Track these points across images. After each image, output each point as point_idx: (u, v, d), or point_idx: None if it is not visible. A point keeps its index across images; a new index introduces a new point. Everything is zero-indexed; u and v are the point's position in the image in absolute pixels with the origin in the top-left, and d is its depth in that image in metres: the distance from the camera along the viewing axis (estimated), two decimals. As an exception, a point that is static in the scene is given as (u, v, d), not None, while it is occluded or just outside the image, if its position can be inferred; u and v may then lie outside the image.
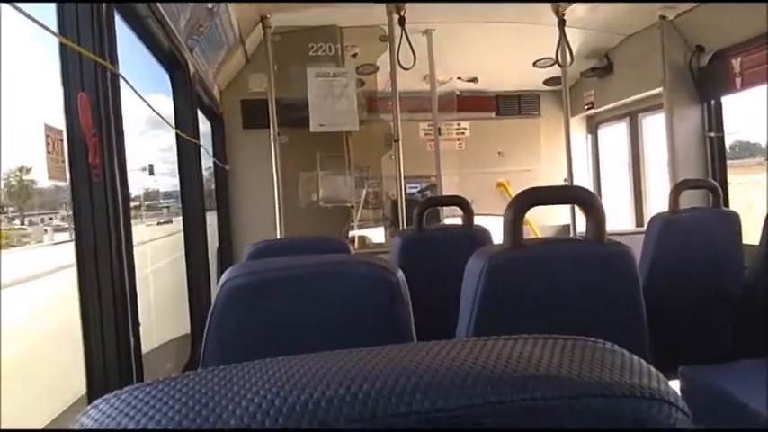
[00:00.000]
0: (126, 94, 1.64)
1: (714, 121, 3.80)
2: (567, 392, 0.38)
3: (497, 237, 1.50)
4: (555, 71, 4.21)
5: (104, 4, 1.45)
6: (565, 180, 4.12)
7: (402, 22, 3.60)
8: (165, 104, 2.67)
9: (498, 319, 1.34)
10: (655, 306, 1.61)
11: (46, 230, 2.30)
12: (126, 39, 1.96)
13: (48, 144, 1.30)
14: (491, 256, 1.35)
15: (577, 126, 4.85)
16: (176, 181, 2.78)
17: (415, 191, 4.59)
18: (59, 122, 1.39)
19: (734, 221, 2.45)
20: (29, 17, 1.22)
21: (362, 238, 4.26)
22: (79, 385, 1.45)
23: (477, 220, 2.53)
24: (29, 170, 2.06)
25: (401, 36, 3.61)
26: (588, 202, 1.38)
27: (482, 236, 2.38)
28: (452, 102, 4.72)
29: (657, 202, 4.34)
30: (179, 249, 2.81)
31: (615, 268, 1.42)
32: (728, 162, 3.82)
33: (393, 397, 0.37)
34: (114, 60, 1.49)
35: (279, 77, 3.75)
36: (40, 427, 1.60)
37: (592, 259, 1.40)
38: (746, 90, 3.41)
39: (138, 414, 0.37)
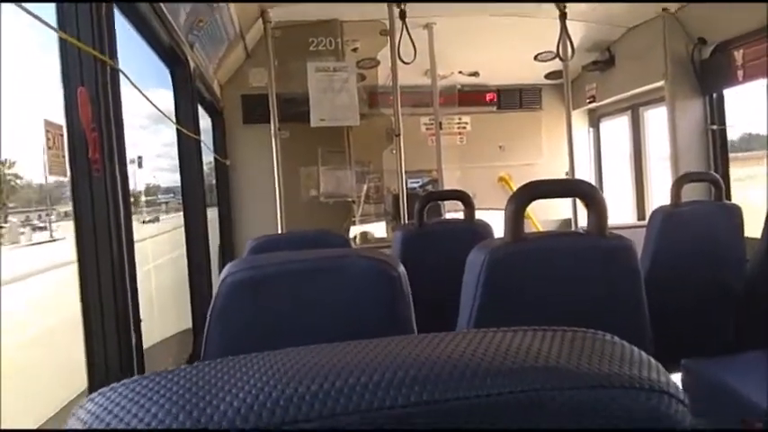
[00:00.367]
0: (127, 90, 1.64)
1: (716, 113, 3.79)
2: (566, 384, 0.38)
3: (499, 231, 1.49)
4: (556, 65, 4.21)
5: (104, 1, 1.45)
6: (566, 174, 4.12)
7: (403, 16, 3.60)
8: (166, 100, 2.67)
9: (499, 312, 1.34)
10: (656, 299, 1.61)
11: (23, 231, 2.26)
12: (126, 35, 1.96)
13: (48, 139, 1.30)
14: (492, 249, 1.35)
15: (579, 120, 4.84)
16: (174, 176, 2.78)
17: (416, 185, 4.58)
18: (55, 117, 1.38)
19: (736, 215, 2.44)
20: (29, 12, 1.22)
21: (364, 234, 4.26)
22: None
23: (479, 215, 2.52)
24: (12, 164, 2.01)
25: (402, 30, 3.60)
26: (590, 195, 1.37)
27: (483, 230, 2.38)
28: (453, 96, 4.71)
29: (659, 195, 4.33)
30: (166, 253, 2.76)
31: (617, 262, 1.41)
32: (738, 154, 3.81)
33: (392, 389, 0.37)
34: (114, 55, 1.49)
35: (279, 72, 3.75)
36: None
37: (593, 253, 1.40)
38: (749, 82, 3.39)
39: (135, 407, 0.37)
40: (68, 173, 1.38)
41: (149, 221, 3.44)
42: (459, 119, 4.81)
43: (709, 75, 3.70)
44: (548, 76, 4.64)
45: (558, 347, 0.41)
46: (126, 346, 1.44)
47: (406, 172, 3.79)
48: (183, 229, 2.72)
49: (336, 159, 4.14)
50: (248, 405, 0.36)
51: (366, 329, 1.11)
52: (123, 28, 1.87)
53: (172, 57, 2.56)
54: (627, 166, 4.70)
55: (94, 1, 1.42)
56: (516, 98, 4.88)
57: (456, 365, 0.39)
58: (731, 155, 3.82)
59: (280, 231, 3.59)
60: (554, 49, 3.91)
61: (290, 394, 0.36)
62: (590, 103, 4.70)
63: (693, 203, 2.54)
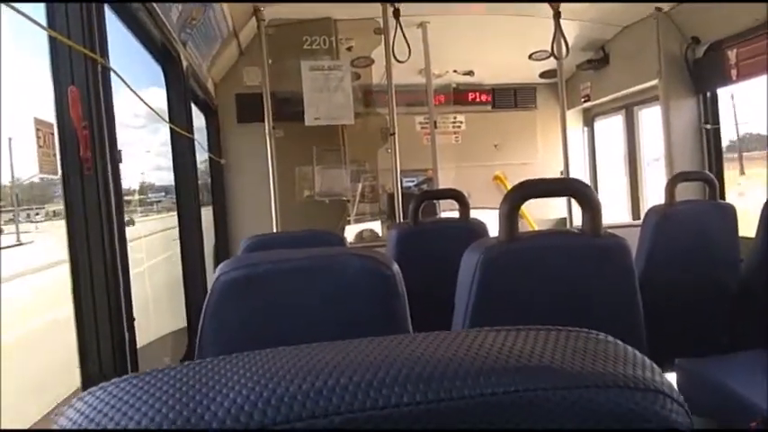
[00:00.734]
0: (118, 89, 1.63)
1: (710, 112, 3.80)
2: (559, 383, 0.38)
3: (494, 230, 1.49)
4: (551, 64, 4.21)
5: None
6: (561, 173, 4.12)
7: (397, 14, 3.60)
8: (158, 99, 2.66)
9: (494, 311, 1.34)
10: (651, 299, 1.61)
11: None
12: (118, 34, 1.94)
13: (38, 138, 1.29)
14: (486, 248, 1.35)
15: (574, 119, 4.84)
16: (162, 174, 2.76)
17: (411, 184, 4.58)
18: (43, 115, 1.37)
19: (730, 214, 2.45)
20: (18, 11, 1.21)
21: (360, 233, 4.26)
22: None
23: (474, 214, 2.52)
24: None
25: (396, 29, 3.60)
26: (584, 194, 1.37)
27: (479, 229, 2.38)
28: (448, 95, 4.72)
29: (653, 194, 4.35)
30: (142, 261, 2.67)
31: (611, 261, 1.41)
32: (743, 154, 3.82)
33: (384, 389, 0.37)
34: (105, 53, 1.48)
35: (273, 71, 3.73)
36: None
37: (588, 252, 1.40)
38: (742, 81, 3.40)
39: (125, 406, 0.37)
40: (59, 171, 1.37)
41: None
42: (454, 118, 4.81)
43: (702, 74, 3.72)
44: (542, 75, 4.64)
45: (552, 347, 0.41)
46: (119, 344, 1.43)
47: (401, 171, 3.79)
48: (172, 231, 2.68)
49: (331, 158, 4.14)
50: (239, 405, 0.35)
51: (360, 328, 1.11)
52: (114, 26, 1.85)
53: (164, 55, 2.55)
54: (621, 166, 4.71)
55: (84, 0, 1.41)
56: (511, 97, 4.89)
57: (450, 365, 0.38)
58: (745, 153, 3.83)
59: (275, 230, 3.58)
60: (548, 48, 3.92)
61: (282, 394, 0.36)
62: (584, 102, 4.71)
63: (688, 203, 2.54)
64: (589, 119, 5.05)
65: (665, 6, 3.68)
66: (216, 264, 3.47)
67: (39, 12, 1.36)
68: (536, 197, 1.39)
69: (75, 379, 1.42)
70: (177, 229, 2.73)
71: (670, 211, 2.40)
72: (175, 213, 2.75)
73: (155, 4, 2.06)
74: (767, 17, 3.03)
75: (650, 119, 4.37)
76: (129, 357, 1.48)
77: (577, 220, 3.82)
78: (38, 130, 1.30)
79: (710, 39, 3.62)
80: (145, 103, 2.08)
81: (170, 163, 2.70)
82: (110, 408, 0.37)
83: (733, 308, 2.31)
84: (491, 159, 4.87)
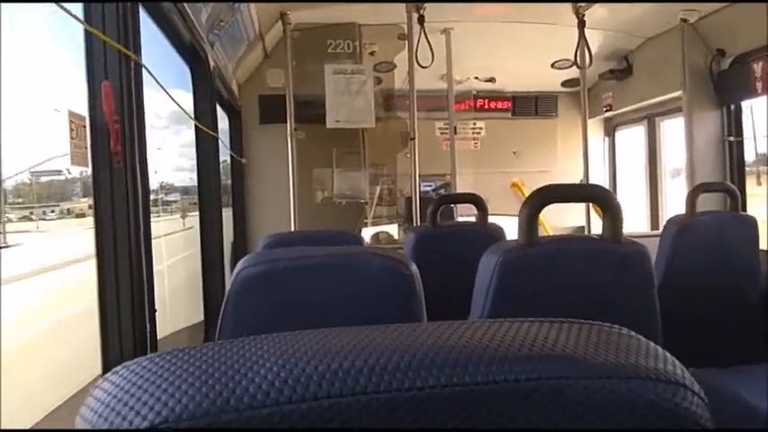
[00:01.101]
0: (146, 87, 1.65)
1: (734, 125, 3.76)
2: (582, 373, 0.38)
3: (511, 237, 1.49)
4: (573, 72, 4.19)
5: None
6: (581, 182, 4.10)
7: (421, 20, 3.61)
8: (181, 100, 2.69)
9: (511, 314, 1.33)
10: (669, 308, 1.60)
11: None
12: (148, 34, 1.97)
13: (71, 130, 1.33)
14: (505, 251, 1.35)
15: (594, 128, 4.81)
16: (180, 175, 2.77)
17: (429, 189, 4.59)
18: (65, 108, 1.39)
19: (751, 226, 2.42)
20: (59, 5, 1.24)
21: (376, 235, 4.27)
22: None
23: (491, 220, 2.52)
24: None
25: (420, 35, 3.61)
26: (605, 200, 1.37)
27: (496, 233, 2.37)
28: (469, 101, 4.72)
29: (674, 206, 4.30)
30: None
31: (631, 268, 1.40)
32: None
33: (410, 371, 0.37)
34: (138, 50, 1.51)
35: (297, 73, 3.77)
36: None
37: (607, 258, 1.39)
38: (767, 95, 3.37)
39: (153, 384, 0.37)
40: (90, 164, 1.41)
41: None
42: (474, 124, 4.80)
43: (727, 86, 3.68)
44: (564, 84, 4.62)
45: (575, 338, 0.41)
46: (141, 335, 1.45)
47: (419, 175, 3.80)
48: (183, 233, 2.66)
49: (351, 161, 4.15)
50: (269, 381, 0.36)
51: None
52: (145, 26, 1.88)
53: (192, 55, 2.59)
54: (642, 177, 4.67)
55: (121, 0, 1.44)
56: (532, 105, 4.87)
57: (475, 351, 0.39)
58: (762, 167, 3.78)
59: (293, 230, 3.60)
60: (571, 57, 3.91)
61: (310, 372, 0.37)
62: (606, 111, 4.68)
63: (708, 213, 2.52)
64: (610, 129, 5.01)
65: (692, 18, 3.66)
66: (234, 262, 3.50)
67: (77, 8, 1.40)
68: (557, 202, 1.39)
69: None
70: (189, 230, 2.73)
71: (690, 221, 2.38)
72: (188, 216, 2.75)
73: (186, 6, 2.10)
74: None
75: (672, 130, 4.34)
76: (149, 348, 1.50)
77: (596, 228, 3.79)
78: (71, 122, 1.34)
79: (736, 51, 3.58)
80: (174, 100, 2.12)
81: (187, 164, 2.72)
82: (134, 386, 0.37)
83: (752, 320, 2.28)
84: (510, 166, 4.85)
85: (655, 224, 4.43)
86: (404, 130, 3.98)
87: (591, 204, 3.98)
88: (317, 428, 0.36)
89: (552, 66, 4.33)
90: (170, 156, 3.49)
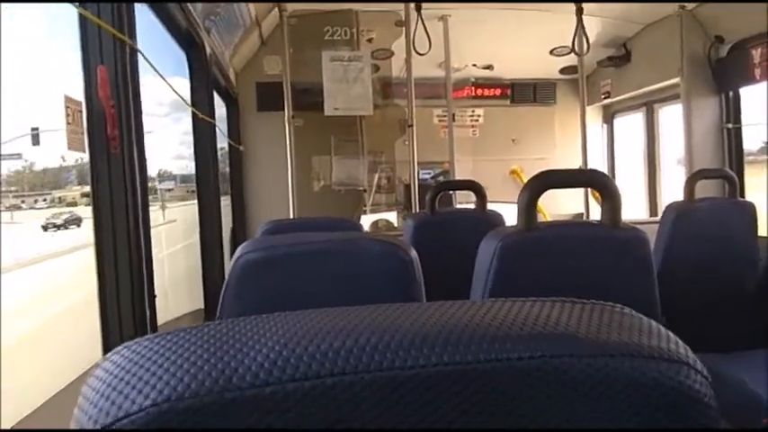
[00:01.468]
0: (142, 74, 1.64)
1: (732, 112, 3.76)
2: (584, 351, 0.38)
3: (510, 224, 1.49)
4: (571, 59, 4.18)
5: None
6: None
7: (418, 7, 3.59)
8: (181, 87, 2.68)
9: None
10: (668, 294, 1.60)
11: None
12: (146, 22, 1.95)
13: (67, 115, 1.32)
14: (504, 236, 1.35)
15: (593, 115, 4.80)
16: (178, 163, 2.75)
17: (428, 176, 4.58)
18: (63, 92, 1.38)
19: (749, 212, 2.42)
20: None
21: (375, 222, 4.27)
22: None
23: (490, 207, 2.52)
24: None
25: (417, 21, 3.60)
26: (604, 185, 1.37)
27: (495, 219, 2.37)
28: (467, 88, 4.71)
29: (672, 193, 4.31)
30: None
31: (630, 252, 1.41)
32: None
33: (413, 349, 0.37)
34: (133, 35, 1.50)
35: (294, 60, 3.75)
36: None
37: (606, 243, 1.40)
38: (766, 81, 3.36)
39: (155, 364, 0.37)
40: (87, 150, 1.40)
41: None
42: (473, 111, 4.79)
43: (725, 73, 3.67)
44: (562, 71, 4.61)
45: (577, 317, 0.41)
46: (141, 321, 1.45)
47: (418, 163, 3.79)
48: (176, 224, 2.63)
49: (349, 149, 4.15)
50: (271, 360, 0.36)
51: None
52: (140, 12, 1.87)
53: (189, 41, 2.57)
54: (640, 164, 4.68)
55: None
56: (530, 92, 4.86)
57: (477, 330, 0.39)
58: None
59: (292, 217, 3.60)
60: (570, 44, 3.89)
61: (313, 351, 0.37)
62: (604, 98, 4.67)
63: (707, 200, 2.52)
64: (609, 116, 5.01)
65: (689, 5, 3.64)
66: (233, 249, 3.50)
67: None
68: (557, 187, 1.39)
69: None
70: (183, 217, 2.72)
71: (689, 207, 2.38)
72: (184, 205, 2.73)
73: None
74: None
75: (671, 117, 4.33)
76: (149, 333, 1.50)
77: (594, 215, 3.80)
78: (67, 107, 1.33)
79: (734, 38, 3.57)
80: (171, 87, 2.11)
81: (184, 152, 2.71)
82: (136, 366, 0.37)
83: (751, 306, 2.29)
84: (508, 154, 4.85)
85: (653, 211, 4.44)
86: (402, 117, 3.97)
87: (590, 191, 3.99)
88: (320, 406, 0.36)
89: (551, 53, 4.32)
90: (171, 143, 3.48)
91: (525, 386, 0.37)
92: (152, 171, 3.29)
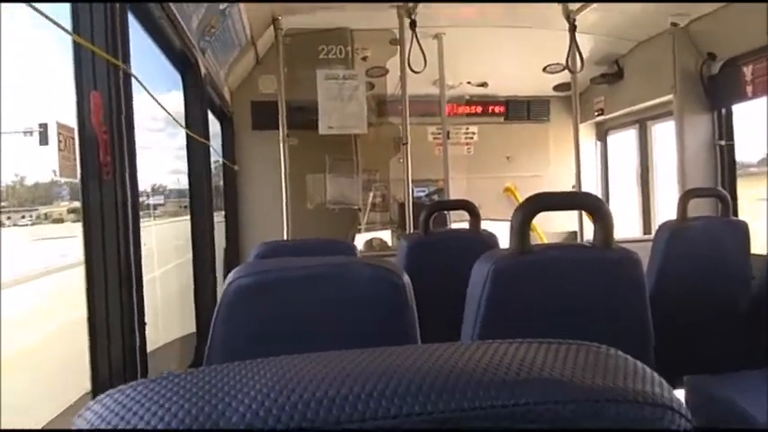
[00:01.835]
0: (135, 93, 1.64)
1: (725, 129, 3.78)
2: (569, 397, 0.38)
3: (505, 242, 1.49)
4: (565, 77, 4.22)
5: (118, 4, 1.47)
6: (573, 186, 4.11)
7: (413, 25, 3.61)
8: (173, 103, 2.69)
9: (504, 323, 1.34)
10: (661, 314, 1.60)
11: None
12: (138, 39, 1.96)
13: (59, 142, 1.32)
14: (497, 260, 1.35)
15: (587, 132, 4.84)
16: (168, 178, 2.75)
17: (422, 194, 4.60)
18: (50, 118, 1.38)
19: (742, 231, 2.43)
20: (44, 16, 1.24)
21: (369, 242, 4.27)
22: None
23: (485, 225, 2.52)
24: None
25: (412, 40, 3.62)
26: (596, 208, 1.38)
27: (489, 240, 2.37)
28: (461, 106, 4.73)
29: (665, 211, 4.33)
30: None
31: (622, 274, 1.41)
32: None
33: (396, 398, 0.37)
34: (127, 60, 1.50)
35: (289, 79, 3.77)
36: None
37: (599, 265, 1.40)
38: (757, 98, 3.39)
39: (141, 410, 0.37)
40: (78, 175, 1.39)
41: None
42: (467, 129, 4.82)
43: (717, 90, 3.70)
44: (556, 88, 4.65)
45: (561, 361, 0.41)
46: (130, 348, 1.44)
47: (412, 181, 3.80)
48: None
49: (344, 167, 4.16)
50: (253, 411, 0.36)
51: (370, 337, 1.11)
52: (135, 32, 1.88)
53: (183, 61, 2.58)
54: (633, 180, 4.70)
55: (109, 1, 1.43)
56: (524, 109, 4.89)
57: (461, 377, 0.39)
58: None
59: (285, 237, 3.60)
60: (563, 62, 3.92)
61: (295, 401, 0.37)
62: (598, 115, 4.70)
63: (700, 219, 2.53)
64: (602, 133, 5.04)
65: (682, 22, 3.68)
66: (225, 269, 3.49)
67: (65, 19, 1.39)
68: (548, 210, 1.39)
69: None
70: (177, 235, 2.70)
71: (682, 226, 2.39)
72: (174, 221, 2.71)
73: (176, 12, 2.09)
74: None
75: (664, 134, 4.36)
76: (138, 363, 1.49)
77: (588, 233, 3.80)
78: (59, 133, 1.33)
79: (726, 55, 3.60)
80: (164, 109, 2.11)
81: (175, 166, 2.70)
82: (126, 411, 0.37)
83: (744, 325, 2.29)
84: (503, 171, 4.87)
85: (647, 228, 4.45)
86: (396, 135, 3.98)
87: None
88: None
89: (544, 70, 4.35)
90: (166, 159, 3.47)
91: None
92: (146, 186, 3.30)
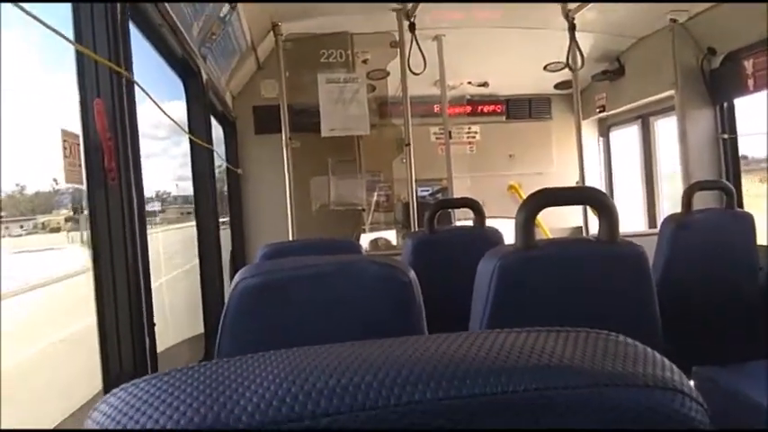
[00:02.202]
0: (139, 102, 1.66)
1: (727, 122, 3.78)
2: (579, 382, 0.38)
3: (509, 240, 1.49)
4: (566, 75, 4.21)
5: (119, 13, 1.48)
6: (577, 182, 4.11)
7: (412, 28, 3.62)
8: (176, 110, 2.70)
9: (510, 319, 1.34)
10: (668, 307, 1.60)
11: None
12: (142, 51, 1.97)
13: (65, 149, 1.33)
14: (503, 256, 1.35)
15: (589, 129, 4.84)
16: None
17: (426, 194, 4.60)
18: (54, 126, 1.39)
19: (748, 223, 2.42)
20: (47, 26, 1.25)
21: (374, 241, 4.27)
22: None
23: (489, 223, 2.52)
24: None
25: (411, 42, 3.63)
26: (600, 202, 1.38)
27: (494, 237, 2.37)
28: (463, 106, 4.74)
29: (669, 206, 4.33)
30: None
31: (628, 268, 1.41)
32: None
33: (408, 385, 0.37)
34: (129, 67, 1.52)
35: (290, 84, 3.79)
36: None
37: (605, 259, 1.40)
38: (759, 92, 3.38)
39: (151, 407, 0.37)
40: (84, 181, 1.41)
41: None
42: (469, 128, 4.82)
43: (719, 84, 3.70)
44: (557, 86, 4.65)
45: (572, 347, 0.41)
46: (140, 349, 1.45)
47: (416, 181, 3.81)
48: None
49: (347, 169, 4.16)
50: (267, 401, 0.36)
51: (377, 335, 1.11)
52: (137, 41, 1.88)
53: (185, 69, 2.59)
54: (637, 176, 4.69)
55: (110, 10, 1.45)
56: (526, 108, 4.89)
57: (473, 364, 0.39)
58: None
59: (291, 239, 3.60)
60: (563, 60, 3.93)
61: (308, 390, 0.37)
62: (600, 112, 4.70)
63: (705, 211, 2.52)
64: (604, 129, 5.04)
65: (681, 17, 3.68)
66: (232, 272, 3.50)
67: (67, 28, 1.40)
68: (553, 205, 1.39)
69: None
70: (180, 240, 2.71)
71: (687, 219, 2.38)
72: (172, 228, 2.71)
73: (176, 20, 2.10)
74: None
75: (666, 129, 4.35)
76: (149, 362, 1.50)
77: (593, 228, 3.80)
78: (64, 141, 1.34)
79: (727, 49, 3.60)
80: (167, 115, 2.13)
81: (179, 173, 2.71)
82: (133, 409, 0.38)
83: (751, 316, 2.28)
84: (506, 169, 4.87)
85: (652, 222, 4.44)
86: (399, 136, 3.99)
87: None
88: None
89: (545, 68, 4.35)
90: (172, 166, 3.48)
91: (521, 419, 0.37)
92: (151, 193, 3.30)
